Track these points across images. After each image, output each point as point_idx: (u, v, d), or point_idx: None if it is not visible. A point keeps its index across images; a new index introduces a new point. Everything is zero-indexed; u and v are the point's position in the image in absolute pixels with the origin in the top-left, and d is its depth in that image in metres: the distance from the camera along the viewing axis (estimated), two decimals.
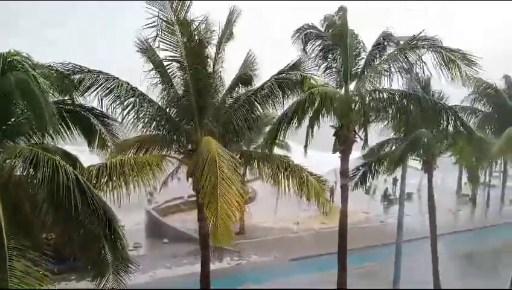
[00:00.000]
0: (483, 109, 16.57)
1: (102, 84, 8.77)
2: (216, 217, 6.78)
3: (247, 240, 23.41)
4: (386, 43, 11.21)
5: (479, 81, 15.68)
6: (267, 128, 20.91)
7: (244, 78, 10.13)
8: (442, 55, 9.48)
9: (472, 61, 9.18)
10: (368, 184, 14.33)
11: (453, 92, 16.03)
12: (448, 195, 38.94)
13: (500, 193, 37.98)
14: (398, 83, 11.09)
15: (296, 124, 10.27)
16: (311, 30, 11.38)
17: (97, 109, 8.81)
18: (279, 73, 9.80)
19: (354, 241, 16.75)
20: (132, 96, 8.93)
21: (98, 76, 8.73)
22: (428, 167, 16.15)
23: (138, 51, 9.25)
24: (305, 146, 11.09)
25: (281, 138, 11.38)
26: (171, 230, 24.21)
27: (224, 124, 9.61)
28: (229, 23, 9.65)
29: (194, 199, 10.69)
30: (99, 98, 8.78)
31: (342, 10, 11.25)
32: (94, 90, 8.71)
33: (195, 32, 8.88)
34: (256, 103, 9.65)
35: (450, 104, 13.88)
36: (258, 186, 27.62)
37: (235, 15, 9.70)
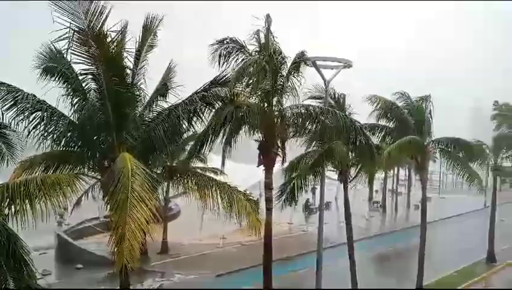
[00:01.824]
0: (387, 124, 18.25)
1: (3, 96, 7.87)
2: (122, 239, 6.39)
3: (171, 259, 22.58)
4: (301, 62, 11.86)
5: (380, 99, 17.40)
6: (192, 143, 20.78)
7: (163, 90, 9.88)
8: None
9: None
10: (297, 199, 14.79)
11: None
12: (362, 203, 42.12)
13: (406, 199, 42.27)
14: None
15: (221, 138, 10.27)
16: (234, 44, 11.48)
17: None
18: (205, 88, 9.69)
19: (279, 252, 17.27)
20: (39, 110, 8.14)
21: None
22: (344, 177, 17.24)
23: (44, 64, 8.52)
24: (223, 159, 11.18)
25: (206, 151, 11.29)
26: (84, 254, 22.27)
27: (144, 138, 9.20)
28: (147, 31, 9.30)
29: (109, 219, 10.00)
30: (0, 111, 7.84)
31: (267, 22, 11.55)
32: None
33: (112, 44, 8.40)
34: (179, 117, 9.38)
35: (360, 119, 15.27)
36: (183, 202, 26.94)
37: (155, 22, 9.37)
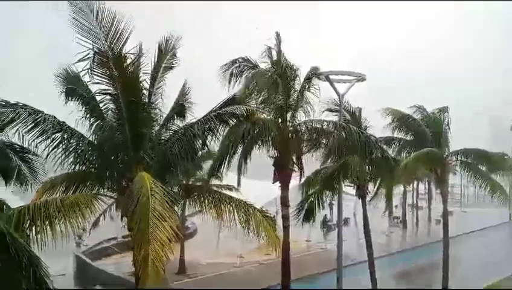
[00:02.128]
0: (404, 137, 17.97)
1: (25, 118, 8.10)
2: (146, 259, 6.37)
3: (189, 279, 22.37)
4: (314, 77, 11.93)
5: (395, 112, 17.23)
6: (208, 161, 20.89)
7: (179, 110, 10.02)
8: None
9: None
10: (315, 215, 14.59)
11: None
12: (381, 218, 41.17)
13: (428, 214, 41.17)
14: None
15: (242, 156, 10.33)
16: (246, 63, 11.73)
17: (17, 144, 8.03)
18: (220, 106, 9.78)
19: (297, 270, 16.91)
20: (59, 131, 8.33)
21: (20, 110, 8.04)
22: (361, 192, 16.96)
23: (63, 84, 8.76)
24: (239, 176, 11.18)
25: (224, 169, 11.34)
26: (103, 275, 22.30)
27: (161, 157, 9.30)
28: (164, 51, 9.49)
29: (128, 239, 10.02)
30: (21, 133, 8.04)
31: (278, 40, 11.77)
32: (15, 125, 7.98)
33: (130, 65, 8.59)
34: (195, 136, 9.47)
35: (375, 133, 15.12)
36: (200, 220, 26.89)
37: (171, 42, 9.55)
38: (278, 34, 11.72)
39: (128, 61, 8.46)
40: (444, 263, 17.86)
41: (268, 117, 11.27)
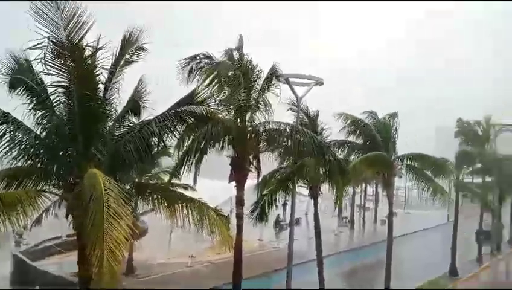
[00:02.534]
0: (356, 140, 18.76)
1: None
2: (101, 259, 6.12)
3: (138, 280, 21.73)
4: (273, 78, 12.08)
5: (349, 116, 17.97)
6: (162, 159, 20.41)
7: (133, 106, 9.70)
8: None
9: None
10: (268, 215, 14.79)
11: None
12: (331, 218, 42.65)
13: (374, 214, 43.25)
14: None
15: (199, 156, 10.19)
16: (208, 60, 11.53)
17: None
18: (179, 104, 9.56)
19: (249, 269, 17.03)
20: (4, 123, 7.75)
21: None
22: (314, 193, 17.45)
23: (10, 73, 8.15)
24: (195, 175, 11.07)
25: (186, 170, 11.17)
26: (43, 275, 21.01)
27: (113, 154, 8.94)
28: (127, 44, 9.11)
29: (73, 238, 9.54)
30: None
31: (240, 42, 11.74)
32: None
33: (88, 58, 8.16)
34: (152, 133, 9.20)
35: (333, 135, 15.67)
36: (151, 219, 26.22)
37: (135, 35, 9.17)
38: (240, 36, 11.76)
39: (87, 53, 8.06)
40: (388, 262, 18.87)
41: (228, 117, 11.23)
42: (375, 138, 17.73)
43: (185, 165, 10.24)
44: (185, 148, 10.16)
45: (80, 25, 7.71)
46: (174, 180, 21.09)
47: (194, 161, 10.53)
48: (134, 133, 8.93)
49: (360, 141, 18.48)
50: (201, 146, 10.21)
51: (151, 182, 20.79)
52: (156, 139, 9.12)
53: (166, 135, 9.28)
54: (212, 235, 9.24)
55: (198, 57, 11.42)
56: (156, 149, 9.52)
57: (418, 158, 18.19)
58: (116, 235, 6.31)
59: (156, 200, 9.54)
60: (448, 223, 37.11)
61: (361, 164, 16.03)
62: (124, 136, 9.11)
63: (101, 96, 8.65)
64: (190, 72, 11.30)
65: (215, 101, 11.24)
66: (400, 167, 18.73)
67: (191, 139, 10.16)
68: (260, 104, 11.52)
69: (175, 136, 9.63)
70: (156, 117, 8.97)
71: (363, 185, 42.61)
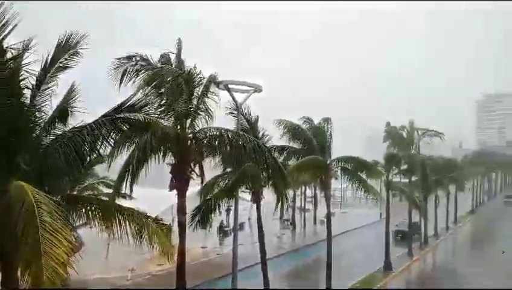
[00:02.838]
0: (295, 146, 19.40)
1: None
2: (38, 278, 5.62)
3: None
4: (212, 85, 12.06)
5: (286, 123, 18.57)
6: (95, 168, 19.33)
7: (62, 113, 9.10)
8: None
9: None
10: (211, 222, 14.63)
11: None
12: (274, 221, 43.45)
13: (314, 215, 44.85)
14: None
15: (139, 165, 9.79)
16: (144, 63, 11.08)
17: None
18: (115, 111, 9.07)
19: (193, 278, 16.74)
20: None
21: None
22: (256, 198, 17.68)
23: None
24: (131, 185, 10.65)
25: (129, 182, 10.63)
26: None
27: (41, 164, 8.28)
28: (61, 49, 8.46)
29: None
30: None
31: (179, 45, 11.50)
32: None
33: (10, 61, 7.46)
34: (82, 141, 8.65)
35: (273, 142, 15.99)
36: (86, 233, 24.63)
37: (74, 40, 8.55)
38: (179, 41, 11.50)
39: (9, 55, 7.39)
40: (328, 261, 19.66)
41: (167, 123, 10.94)
42: (311, 143, 18.47)
43: (127, 177, 9.78)
44: (119, 156, 9.70)
45: (1, 23, 7.09)
46: (112, 190, 20.21)
47: (135, 171, 10.09)
48: (64, 141, 8.37)
49: (297, 146, 19.13)
50: (141, 155, 9.80)
51: (87, 193, 19.68)
52: (88, 147, 8.62)
53: (99, 143, 8.80)
54: (152, 246, 8.95)
55: (134, 58, 10.86)
56: (87, 158, 8.98)
57: (351, 161, 19.26)
58: (56, 252, 5.85)
59: (90, 213, 9.03)
60: (381, 220, 39.67)
61: (298, 168, 16.62)
62: (53, 145, 8.49)
63: (26, 103, 7.99)
64: (124, 74, 10.70)
65: (155, 108, 10.93)
66: (335, 169, 19.67)
67: (127, 147, 9.73)
68: (201, 110, 11.40)
69: (109, 144, 9.17)
70: (89, 124, 8.47)
71: (303, 187, 44.02)
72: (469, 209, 56.01)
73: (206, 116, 11.75)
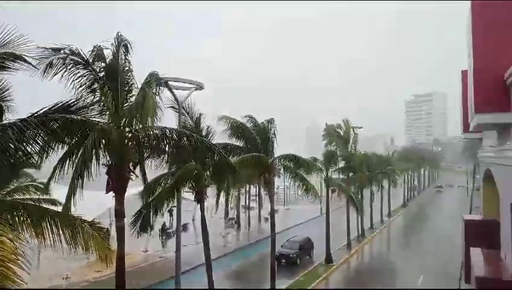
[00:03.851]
0: (238, 144, 19.45)
1: None
2: None
3: None
4: (153, 82, 11.61)
5: (230, 120, 18.57)
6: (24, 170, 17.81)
7: None
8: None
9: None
10: (153, 224, 14.11)
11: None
12: (218, 220, 43.27)
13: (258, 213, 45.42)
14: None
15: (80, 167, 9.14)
16: (75, 57, 10.29)
17: None
18: (46, 112, 8.34)
19: (134, 283, 16.10)
20: None
21: None
22: (200, 197, 17.43)
23: None
24: (48, 183, 9.97)
25: (53, 181, 9.83)
26: None
27: None
28: None
29: None
30: None
31: (118, 40, 10.87)
32: None
33: None
34: (6, 142, 7.85)
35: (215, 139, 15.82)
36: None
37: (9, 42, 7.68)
38: (119, 35, 10.82)
39: None
40: (271, 258, 19.98)
41: (102, 122, 10.31)
42: (255, 141, 18.63)
43: (55, 177, 9.07)
44: (48, 157, 8.99)
45: None
46: (42, 196, 18.75)
47: (58, 169, 9.41)
48: None
49: (241, 144, 19.19)
50: (75, 156, 9.16)
51: (15, 197, 18.05)
52: (13, 148, 7.89)
53: (26, 143, 8.10)
54: (88, 252, 8.44)
55: (62, 51, 9.99)
56: (12, 159, 8.22)
57: (292, 159, 19.76)
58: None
59: (16, 219, 8.28)
60: (321, 215, 41.24)
61: (240, 164, 16.65)
62: None
63: None
64: (50, 66, 9.77)
65: (89, 106, 10.27)
66: (277, 167, 20.04)
67: (59, 148, 9.05)
68: (139, 109, 10.87)
69: (38, 145, 8.47)
70: (14, 123, 7.73)
71: (247, 186, 44.31)
72: (401, 203, 60.30)
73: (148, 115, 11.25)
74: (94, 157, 9.53)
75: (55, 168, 9.55)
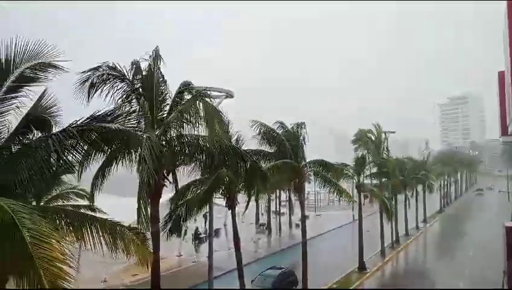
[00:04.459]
0: (267, 149, 19.55)
1: None
2: (40, 281, 5.69)
3: None
4: (186, 92, 11.98)
5: (262, 125, 18.69)
6: (67, 177, 18.75)
7: (39, 121, 8.78)
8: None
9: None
10: (186, 229, 14.50)
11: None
12: (250, 226, 43.43)
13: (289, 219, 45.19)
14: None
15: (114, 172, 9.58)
16: (113, 72, 10.89)
17: None
18: (84, 123, 8.81)
19: (169, 287, 16.47)
20: None
21: None
22: (231, 203, 17.66)
23: None
24: (91, 194, 10.45)
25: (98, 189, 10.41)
26: None
27: (8, 175, 7.95)
28: (25, 61, 8.09)
29: None
30: None
31: (156, 52, 11.35)
32: None
33: None
34: (47, 151, 8.30)
35: (245, 145, 16.00)
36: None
37: (45, 52, 8.21)
38: (157, 49, 11.34)
39: None
40: (303, 263, 19.84)
41: (139, 132, 10.74)
42: (285, 146, 18.67)
43: (99, 185, 9.61)
44: (90, 166, 9.48)
45: None
46: (80, 202, 19.62)
47: (103, 180, 9.91)
48: (28, 152, 8.06)
49: (271, 150, 19.27)
50: (114, 163, 9.61)
51: (56, 203, 19.01)
52: (55, 157, 8.35)
53: (67, 152, 8.55)
54: (129, 255, 8.76)
55: (100, 69, 10.63)
56: (54, 168, 8.70)
57: (322, 164, 19.62)
58: (50, 255, 5.86)
59: (58, 223, 8.74)
60: (354, 221, 40.43)
61: (271, 170, 16.73)
62: (16, 156, 8.17)
63: None
64: (91, 86, 10.42)
65: (125, 116, 10.73)
66: (307, 172, 19.95)
67: (98, 157, 9.50)
68: (174, 117, 11.26)
69: (79, 154, 8.93)
70: (54, 134, 8.17)
71: (277, 192, 44.27)
72: (437, 209, 58.10)
73: (181, 124, 11.60)
74: (130, 164, 9.94)
75: (95, 177, 10.02)
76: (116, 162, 10.03)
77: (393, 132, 35.87)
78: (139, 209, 9.30)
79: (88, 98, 10.11)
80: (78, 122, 8.26)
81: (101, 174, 9.98)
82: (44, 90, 8.97)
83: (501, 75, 14.87)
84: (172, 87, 11.84)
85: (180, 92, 11.61)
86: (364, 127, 32.85)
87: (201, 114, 11.02)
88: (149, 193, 10.92)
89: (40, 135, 8.84)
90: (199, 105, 10.94)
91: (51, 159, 8.46)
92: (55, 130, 8.78)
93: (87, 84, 10.23)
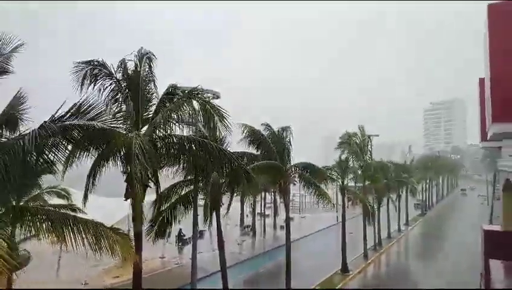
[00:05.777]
0: (254, 152, 19.58)
1: None
2: None
3: None
4: (174, 92, 11.92)
5: (249, 128, 18.70)
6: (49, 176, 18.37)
7: (9, 119, 8.59)
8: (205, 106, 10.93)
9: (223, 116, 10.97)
10: (169, 231, 14.38)
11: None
12: (234, 227, 43.35)
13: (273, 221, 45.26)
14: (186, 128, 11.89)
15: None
16: (101, 68, 10.85)
17: None
18: (63, 117, 8.65)
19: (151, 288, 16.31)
20: None
21: None
22: (216, 204, 17.60)
23: None
24: (85, 193, 10.33)
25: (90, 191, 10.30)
26: None
27: None
28: None
29: None
30: None
31: (141, 52, 11.30)
32: None
33: None
34: (25, 150, 8.10)
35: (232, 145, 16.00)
36: (35, 246, 23.22)
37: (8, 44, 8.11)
38: (141, 48, 11.37)
39: None
40: (287, 265, 19.91)
41: (123, 131, 10.64)
42: (270, 149, 18.74)
43: (90, 186, 9.53)
44: (74, 165, 9.35)
45: None
46: (60, 202, 19.23)
47: (91, 180, 9.80)
48: (5, 150, 7.86)
49: (257, 152, 19.30)
50: (99, 163, 9.49)
51: (35, 203, 18.58)
52: (35, 155, 8.18)
53: (47, 150, 8.38)
54: (114, 255, 8.63)
55: (92, 63, 10.68)
56: (33, 167, 8.52)
57: (306, 167, 19.77)
58: None
59: (38, 224, 8.57)
60: (338, 224, 40.79)
61: (256, 171, 16.74)
62: None
63: None
64: (84, 78, 10.51)
65: (112, 115, 10.64)
66: (292, 175, 20.06)
67: (80, 155, 9.38)
68: (160, 118, 11.18)
69: (59, 152, 8.78)
70: (33, 131, 7.98)
71: (263, 193, 44.32)
72: (419, 212, 59.09)
73: (167, 124, 11.52)
74: (113, 163, 9.84)
75: (88, 180, 9.90)
76: (106, 161, 9.94)
77: (377, 135, 36.38)
78: (136, 208, 9.22)
79: (81, 89, 10.16)
80: (56, 116, 8.09)
81: (93, 174, 9.88)
82: (19, 90, 8.81)
83: (481, 82, 15.24)
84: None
85: (168, 93, 11.57)
86: (355, 129, 33.24)
87: (201, 113, 11.04)
88: (131, 193, 10.80)
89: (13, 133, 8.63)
90: (197, 105, 10.97)
91: (30, 157, 8.29)
92: (21, 128, 8.59)
93: (81, 75, 10.33)
